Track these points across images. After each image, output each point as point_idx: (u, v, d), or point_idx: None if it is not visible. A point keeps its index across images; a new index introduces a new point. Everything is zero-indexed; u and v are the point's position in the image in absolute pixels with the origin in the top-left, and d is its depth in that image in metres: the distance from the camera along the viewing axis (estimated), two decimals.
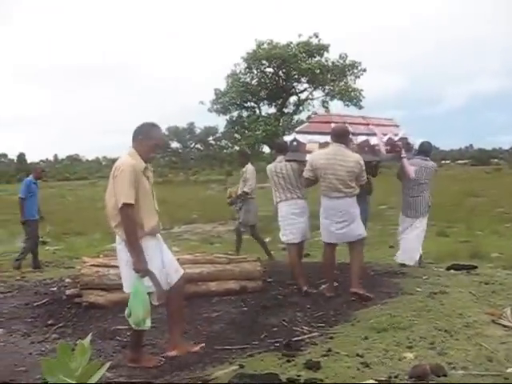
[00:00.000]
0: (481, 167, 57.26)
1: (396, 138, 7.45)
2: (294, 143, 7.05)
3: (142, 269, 4.13)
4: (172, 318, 4.56)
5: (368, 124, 7.47)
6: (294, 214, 6.93)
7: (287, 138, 7.44)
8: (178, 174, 66.12)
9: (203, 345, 4.49)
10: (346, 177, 6.12)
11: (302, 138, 7.06)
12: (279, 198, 7.01)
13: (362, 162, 6.22)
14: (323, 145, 6.64)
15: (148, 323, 4.22)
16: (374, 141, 7.01)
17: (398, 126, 8.15)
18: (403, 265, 7.80)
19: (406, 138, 7.72)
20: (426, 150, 8.03)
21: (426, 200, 7.86)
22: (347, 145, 6.34)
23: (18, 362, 4.46)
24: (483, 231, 12.40)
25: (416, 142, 8.10)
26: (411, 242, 7.78)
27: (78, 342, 2.17)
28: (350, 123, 6.91)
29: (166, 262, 4.43)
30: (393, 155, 7.47)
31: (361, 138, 6.84)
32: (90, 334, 2.50)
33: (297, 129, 7.88)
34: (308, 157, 6.57)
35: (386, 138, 7.24)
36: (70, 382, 1.92)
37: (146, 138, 4.34)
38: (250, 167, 9.44)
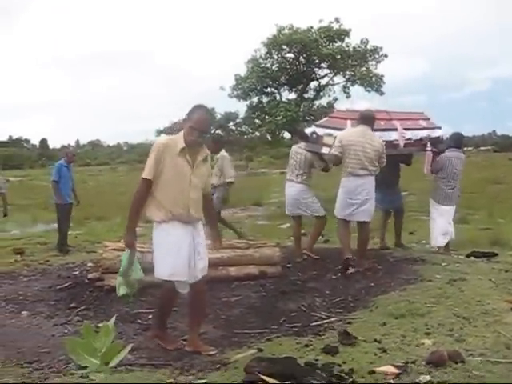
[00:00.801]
0: (504, 154, 56.50)
1: (423, 133, 7.85)
2: (314, 135, 7.52)
3: (126, 242, 4.32)
4: (191, 317, 4.55)
5: (391, 119, 7.74)
6: (290, 192, 7.89)
7: (307, 130, 7.87)
8: None
9: (217, 351, 4.26)
10: (372, 155, 6.66)
11: (320, 131, 7.51)
12: (287, 177, 8.04)
13: (382, 143, 6.81)
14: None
15: (121, 291, 4.45)
16: (393, 136, 7.44)
17: (428, 119, 8.37)
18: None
19: (434, 133, 8.02)
20: (458, 140, 8.17)
21: (459, 189, 8.15)
22: (372, 128, 6.84)
23: (41, 343, 4.55)
24: (505, 219, 12.27)
25: (446, 134, 8.21)
26: (444, 226, 8.02)
27: (101, 324, 2.23)
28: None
29: (195, 256, 4.28)
30: (416, 148, 7.97)
31: (378, 134, 7.04)
32: (115, 316, 2.56)
33: (317, 122, 8.40)
34: (338, 134, 7.02)
35: (408, 133, 7.61)
36: (94, 361, 1.98)
37: (187, 120, 4.31)
38: (225, 155, 9.20)
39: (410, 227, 10.84)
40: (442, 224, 8.04)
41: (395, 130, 7.57)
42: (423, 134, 7.97)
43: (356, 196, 6.72)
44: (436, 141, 8.10)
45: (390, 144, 7.30)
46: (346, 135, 6.85)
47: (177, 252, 4.18)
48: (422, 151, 8.13)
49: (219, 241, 4.78)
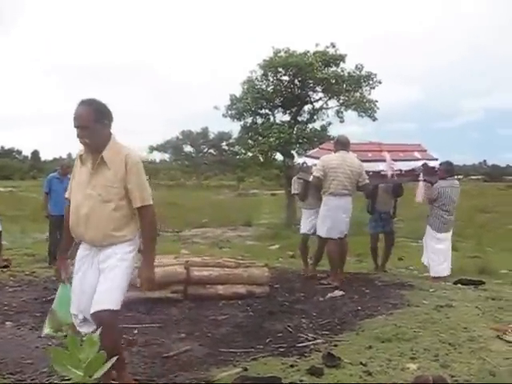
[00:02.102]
0: (494, 183, 56.93)
1: (416, 163, 8.25)
2: (305, 165, 8.27)
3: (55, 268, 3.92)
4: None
5: (381, 150, 8.18)
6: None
7: (299, 161, 8.78)
8: (190, 178, 66.30)
9: None
10: (352, 176, 7.29)
11: (309, 161, 8.21)
12: None
13: (362, 165, 7.43)
14: None
15: (44, 330, 4.11)
16: (380, 167, 7.95)
17: (425, 151, 8.80)
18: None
19: (427, 164, 8.38)
20: (451, 169, 8.42)
21: (454, 216, 8.43)
22: (348, 151, 7.47)
23: (24, 354, 4.50)
24: (493, 247, 12.38)
25: (437, 165, 8.47)
26: (445, 253, 8.25)
27: (86, 336, 2.22)
28: (355, 150, 7.69)
29: (86, 287, 3.53)
30: (408, 178, 8.40)
31: (364, 165, 7.59)
32: (100, 329, 2.55)
33: (307, 153, 9.39)
34: (320, 159, 7.51)
35: (399, 164, 8.07)
36: (78, 372, 1.97)
37: None
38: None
39: (399, 253, 10.90)
40: (443, 251, 8.21)
41: (383, 160, 7.97)
42: (416, 164, 8.28)
43: (341, 214, 7.32)
44: (431, 171, 8.38)
45: (377, 174, 7.90)
46: (328, 160, 7.38)
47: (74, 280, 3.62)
48: (414, 181, 8.41)
49: (149, 275, 3.60)
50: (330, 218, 7.36)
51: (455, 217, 8.44)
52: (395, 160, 8.10)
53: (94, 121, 3.42)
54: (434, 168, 8.41)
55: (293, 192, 8.96)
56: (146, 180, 3.53)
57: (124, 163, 3.43)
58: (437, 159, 8.61)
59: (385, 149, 8.27)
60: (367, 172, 7.62)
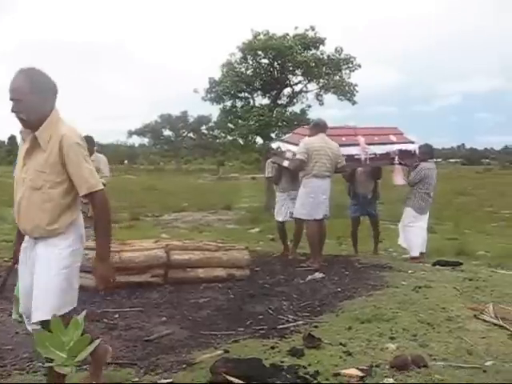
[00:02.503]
0: (472, 167, 57.56)
1: (391, 147, 8.45)
2: (279, 149, 8.47)
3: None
4: None
5: (355, 134, 8.40)
6: None
7: (273, 145, 8.90)
8: (170, 162, 66.08)
9: None
10: (333, 158, 7.49)
11: (283, 146, 8.43)
12: None
13: (339, 148, 7.63)
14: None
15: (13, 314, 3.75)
16: (354, 151, 8.12)
17: (401, 134, 9.00)
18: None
19: (407, 147, 8.65)
20: (431, 152, 8.57)
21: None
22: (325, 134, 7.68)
23: (4, 340, 4.48)
24: (471, 229, 12.54)
25: (415, 148, 8.53)
26: (424, 234, 8.44)
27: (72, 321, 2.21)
28: (329, 135, 7.78)
29: (24, 286, 3.15)
30: (383, 162, 8.60)
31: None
32: (85, 311, 2.54)
33: (282, 138, 9.87)
34: (302, 142, 7.64)
35: (372, 148, 8.24)
36: (61, 354, 1.96)
37: None
38: (101, 157, 8.49)
39: (380, 235, 10.97)
40: (422, 233, 8.38)
41: (357, 145, 8.13)
42: (391, 148, 8.44)
43: (322, 196, 7.47)
44: (408, 155, 8.50)
45: (351, 158, 8.06)
46: (310, 142, 7.51)
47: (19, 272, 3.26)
48: (389, 165, 8.61)
49: (103, 272, 3.21)
50: (311, 199, 7.45)
51: (432, 199, 8.55)
52: (369, 144, 8.24)
53: (29, 93, 2.93)
54: (410, 151, 8.51)
55: (266, 176, 9.22)
56: (88, 163, 3.01)
57: (58, 146, 2.94)
58: (413, 142, 8.71)
59: (359, 133, 8.46)
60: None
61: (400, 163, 8.43)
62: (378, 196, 9.24)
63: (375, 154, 8.24)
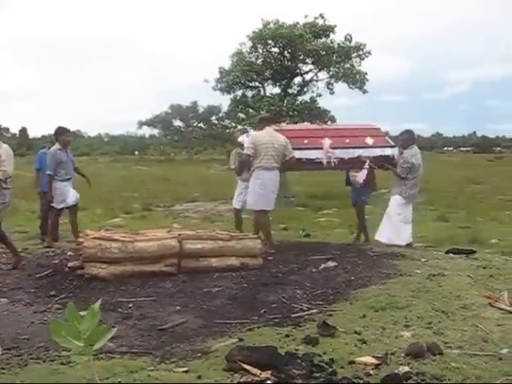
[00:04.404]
0: (483, 155, 57.19)
1: (361, 151, 8.29)
2: (242, 142, 8.59)
3: None
4: None
5: (322, 137, 8.30)
6: None
7: (240, 139, 9.15)
8: (180, 153, 66.08)
9: None
10: (280, 150, 7.70)
11: (245, 140, 8.39)
12: None
13: (287, 139, 7.81)
14: None
15: None
16: (315, 155, 8.16)
17: (383, 136, 8.86)
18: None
19: (384, 151, 8.46)
20: (413, 137, 8.56)
21: None
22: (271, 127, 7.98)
23: (20, 330, 4.51)
24: (483, 217, 12.47)
25: (394, 153, 8.43)
26: (409, 223, 8.31)
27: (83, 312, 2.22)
28: (290, 137, 7.98)
29: None
30: (347, 166, 8.66)
31: (297, 153, 7.96)
32: (100, 300, 2.55)
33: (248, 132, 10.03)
34: (248, 137, 8.05)
35: (338, 152, 8.18)
36: (78, 343, 1.97)
37: None
38: (5, 147, 7.04)
39: None
40: (409, 223, 8.31)
41: (320, 148, 8.12)
42: (364, 152, 8.31)
43: (270, 187, 7.71)
44: (384, 159, 8.41)
45: (310, 161, 8.20)
46: (256, 137, 7.82)
47: None
48: (359, 168, 8.46)
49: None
50: (262, 191, 7.70)
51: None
52: (338, 147, 8.18)
53: None
54: (388, 156, 8.41)
55: (230, 167, 9.69)
56: None
57: None
58: (393, 146, 8.50)
59: (329, 134, 8.41)
60: (300, 159, 8.06)
61: (370, 167, 8.31)
62: (375, 187, 9.26)
63: (342, 157, 8.21)
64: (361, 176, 8.38)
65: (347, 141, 8.39)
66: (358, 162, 8.35)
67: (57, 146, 8.85)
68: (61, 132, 8.98)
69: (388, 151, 8.45)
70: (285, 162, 7.83)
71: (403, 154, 8.20)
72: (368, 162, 8.23)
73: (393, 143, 8.57)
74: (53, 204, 8.79)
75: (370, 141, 8.44)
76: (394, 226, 8.21)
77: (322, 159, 8.10)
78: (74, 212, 9.03)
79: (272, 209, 7.97)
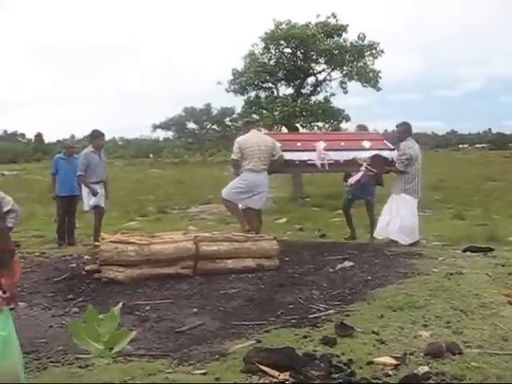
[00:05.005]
0: (499, 151, 56.68)
1: (356, 153, 8.27)
2: None
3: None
4: None
5: (316, 140, 8.41)
6: None
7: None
8: (194, 155, 66.23)
9: None
10: (267, 151, 7.78)
11: None
12: None
13: (274, 140, 7.98)
14: None
15: None
16: (306, 156, 8.21)
17: (380, 140, 8.80)
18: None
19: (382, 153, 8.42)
20: (410, 129, 8.43)
21: None
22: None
23: (39, 334, 4.54)
24: (500, 215, 12.34)
25: (392, 156, 8.32)
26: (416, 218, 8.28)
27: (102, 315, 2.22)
28: (279, 140, 8.23)
29: None
30: (348, 168, 8.58)
31: (286, 155, 8.07)
32: (121, 303, 2.56)
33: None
34: (235, 142, 8.03)
35: (332, 154, 8.17)
36: (97, 346, 1.98)
37: None
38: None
39: None
40: (416, 218, 8.26)
41: (313, 150, 8.17)
42: (360, 154, 8.27)
43: (256, 188, 7.74)
44: (382, 162, 8.36)
45: (303, 163, 8.27)
46: (241, 141, 7.89)
47: None
48: (355, 171, 8.41)
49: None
50: (241, 188, 7.78)
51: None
52: (332, 150, 8.18)
53: None
54: (387, 159, 8.34)
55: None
56: None
57: None
58: (393, 149, 8.41)
59: (323, 138, 8.50)
60: (293, 161, 8.19)
61: (367, 169, 8.21)
62: (382, 183, 9.15)
63: (337, 160, 8.20)
64: (354, 177, 8.33)
65: (342, 144, 8.45)
66: (354, 165, 8.29)
67: (90, 148, 9.00)
68: (95, 135, 9.12)
69: (385, 153, 8.39)
70: (274, 162, 7.89)
71: (400, 147, 8.16)
72: (365, 164, 8.18)
73: (391, 146, 8.50)
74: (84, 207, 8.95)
75: (366, 144, 8.43)
76: (405, 223, 8.12)
77: (315, 161, 8.14)
78: (100, 215, 8.98)
79: (260, 208, 8.04)
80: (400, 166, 8.09)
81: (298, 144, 8.43)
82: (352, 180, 8.41)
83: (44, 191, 11.48)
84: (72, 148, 10.10)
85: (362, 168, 8.18)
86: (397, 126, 8.47)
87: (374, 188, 9.11)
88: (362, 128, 10.14)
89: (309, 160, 8.20)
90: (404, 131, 8.32)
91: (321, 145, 8.16)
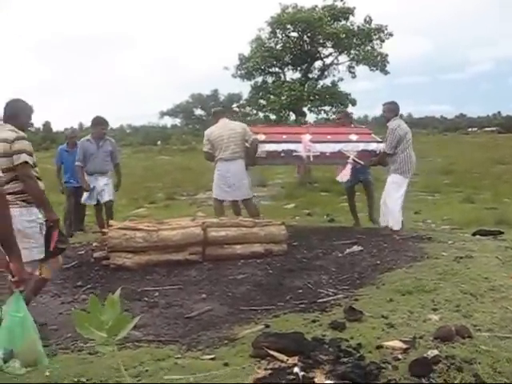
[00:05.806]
0: (509, 135, 56.25)
1: (343, 145, 8.08)
2: None
3: None
4: None
5: (303, 133, 8.33)
6: None
7: None
8: (202, 142, 66.25)
9: None
10: (237, 139, 7.66)
11: None
12: None
13: (244, 126, 7.99)
14: None
15: None
16: (292, 147, 8.09)
17: (368, 134, 8.62)
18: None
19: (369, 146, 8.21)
20: (397, 109, 7.94)
21: None
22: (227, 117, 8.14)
23: (48, 321, 4.58)
24: (510, 198, 12.27)
25: (380, 148, 8.00)
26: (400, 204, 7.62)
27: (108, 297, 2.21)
28: (265, 132, 8.31)
29: None
30: (334, 160, 8.44)
31: (270, 146, 8.04)
32: (120, 289, 2.55)
33: None
34: (205, 135, 8.04)
35: (318, 146, 8.07)
36: (101, 334, 1.97)
37: None
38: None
39: (416, 207, 10.86)
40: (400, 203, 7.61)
41: (299, 142, 8.07)
42: (346, 146, 8.08)
43: (230, 179, 7.67)
44: (369, 154, 8.15)
45: (289, 154, 8.08)
46: (209, 133, 7.90)
47: None
48: (342, 163, 8.23)
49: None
50: (219, 181, 7.78)
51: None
52: (318, 142, 8.08)
53: None
54: (374, 151, 8.09)
55: None
56: None
57: None
58: (380, 142, 8.11)
59: (310, 131, 8.43)
60: (278, 152, 8.03)
61: (355, 161, 8.00)
62: (385, 164, 8.23)
63: (323, 152, 8.07)
64: (345, 173, 8.10)
65: (329, 137, 8.35)
66: (341, 157, 8.10)
67: (88, 136, 8.38)
68: (95, 123, 8.36)
69: (373, 146, 8.14)
70: (250, 148, 7.75)
71: (388, 129, 7.66)
72: (352, 157, 7.96)
73: (379, 139, 8.25)
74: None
75: (353, 137, 8.28)
76: (389, 208, 7.56)
77: (301, 153, 8.04)
78: (107, 207, 8.29)
79: (235, 199, 7.98)
80: (389, 148, 7.57)
81: (284, 136, 8.39)
82: (342, 177, 8.24)
83: (54, 179, 11.46)
84: (73, 138, 9.75)
85: (350, 160, 8.01)
86: (384, 104, 7.96)
87: (368, 168, 8.79)
88: (346, 115, 10.04)
89: (294, 151, 8.11)
90: (390, 110, 7.80)
91: (307, 137, 8.10)
